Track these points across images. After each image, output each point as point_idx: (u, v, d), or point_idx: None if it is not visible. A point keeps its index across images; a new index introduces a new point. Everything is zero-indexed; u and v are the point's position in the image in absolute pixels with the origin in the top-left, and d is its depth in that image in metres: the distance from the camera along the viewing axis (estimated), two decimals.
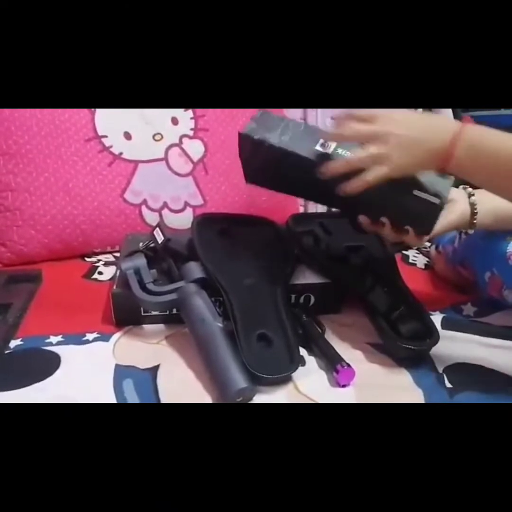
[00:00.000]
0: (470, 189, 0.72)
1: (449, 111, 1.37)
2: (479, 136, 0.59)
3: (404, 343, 0.66)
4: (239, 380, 0.59)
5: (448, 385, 0.62)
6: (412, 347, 0.66)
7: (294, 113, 1.34)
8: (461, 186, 0.73)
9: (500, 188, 0.60)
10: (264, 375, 0.60)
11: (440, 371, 0.65)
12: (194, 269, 0.74)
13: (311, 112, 1.35)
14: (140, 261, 0.75)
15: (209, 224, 0.85)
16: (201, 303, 0.68)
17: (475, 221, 0.71)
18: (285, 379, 0.62)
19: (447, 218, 0.69)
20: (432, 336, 0.67)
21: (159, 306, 0.72)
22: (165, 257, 0.79)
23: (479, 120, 1.48)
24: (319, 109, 1.34)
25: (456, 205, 0.70)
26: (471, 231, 0.73)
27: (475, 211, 0.71)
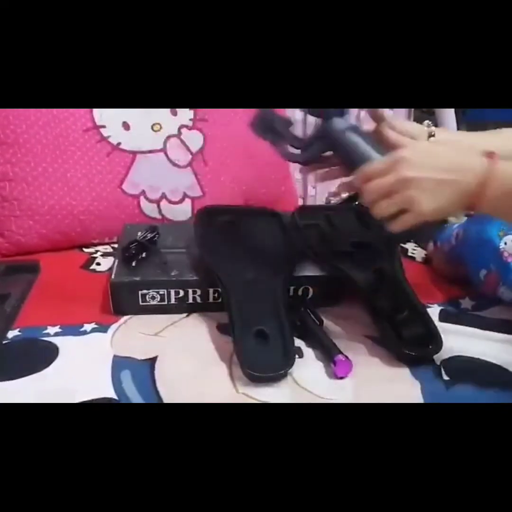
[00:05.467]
0: (433, 128, 0.71)
1: (451, 114, 1.37)
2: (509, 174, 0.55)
3: (408, 349, 0.65)
4: None
5: (445, 377, 0.63)
6: (416, 354, 0.65)
7: (294, 113, 1.34)
8: (425, 122, 0.71)
9: None
10: (259, 374, 0.60)
11: (438, 363, 0.65)
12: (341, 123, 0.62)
13: None
14: (268, 110, 0.64)
15: (213, 216, 0.84)
16: (359, 140, 0.60)
17: None
18: (280, 377, 0.62)
19: None
20: (435, 342, 0.66)
21: (309, 158, 0.63)
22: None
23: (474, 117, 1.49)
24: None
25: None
26: None
27: None
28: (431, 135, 0.70)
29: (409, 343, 0.66)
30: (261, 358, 0.62)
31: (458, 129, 1.38)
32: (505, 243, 0.74)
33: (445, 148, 0.60)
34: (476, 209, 0.57)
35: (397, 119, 0.68)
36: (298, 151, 0.64)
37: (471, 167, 0.56)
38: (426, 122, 0.70)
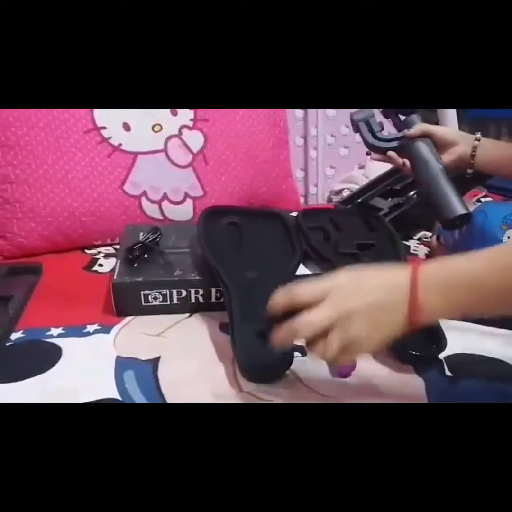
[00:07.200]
0: (478, 135, 0.81)
1: (452, 111, 1.36)
2: (436, 271, 0.50)
3: (412, 349, 0.64)
4: (459, 207, 0.75)
5: (449, 373, 0.62)
6: (420, 354, 0.64)
7: (294, 113, 1.34)
8: (478, 133, 0.82)
9: (488, 308, 0.51)
10: (256, 373, 0.60)
11: (441, 360, 0.65)
12: (416, 121, 0.85)
13: (311, 112, 1.35)
14: (369, 112, 0.88)
15: (217, 217, 0.84)
16: (425, 147, 0.81)
17: (472, 162, 0.81)
18: (277, 377, 0.61)
19: (447, 159, 0.80)
20: (440, 341, 0.65)
21: (386, 150, 0.86)
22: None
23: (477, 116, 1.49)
24: (318, 110, 1.34)
25: (456, 147, 0.81)
26: (470, 171, 0.82)
27: (474, 153, 0.80)
28: (477, 139, 0.80)
29: (413, 342, 0.66)
30: (259, 357, 0.62)
31: (459, 127, 1.38)
32: (509, 237, 0.74)
33: (371, 273, 0.53)
34: (421, 321, 0.49)
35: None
36: (377, 143, 0.87)
37: (398, 280, 0.50)
38: (477, 132, 0.82)
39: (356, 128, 0.89)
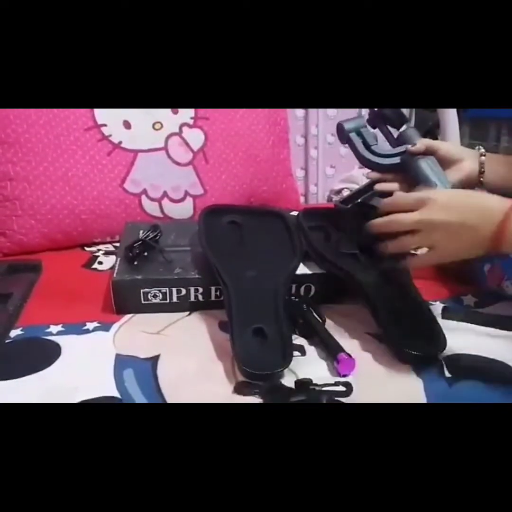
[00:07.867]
0: (483, 150, 0.78)
1: (453, 111, 1.36)
2: None
3: (411, 348, 0.64)
4: None
5: (448, 374, 0.63)
6: (419, 354, 0.64)
7: (295, 113, 1.34)
8: (477, 148, 0.79)
9: None
10: (254, 372, 0.60)
11: (440, 360, 0.65)
12: (414, 135, 0.78)
13: (312, 111, 1.35)
14: (361, 122, 0.79)
15: (217, 215, 0.84)
16: (431, 165, 0.74)
17: (482, 179, 0.77)
18: (275, 376, 0.61)
19: (454, 177, 0.75)
20: (439, 341, 0.65)
21: (384, 167, 0.78)
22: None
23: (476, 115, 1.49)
24: (319, 109, 1.34)
25: (463, 164, 0.77)
26: (477, 189, 0.78)
27: (482, 170, 0.77)
28: (482, 155, 0.77)
29: (413, 342, 0.66)
30: (257, 356, 0.62)
31: (460, 127, 1.38)
32: None
33: (470, 196, 0.63)
34: (498, 252, 0.59)
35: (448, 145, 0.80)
36: (375, 159, 0.78)
37: (493, 210, 0.58)
38: (477, 147, 0.79)
39: (346, 140, 0.78)
